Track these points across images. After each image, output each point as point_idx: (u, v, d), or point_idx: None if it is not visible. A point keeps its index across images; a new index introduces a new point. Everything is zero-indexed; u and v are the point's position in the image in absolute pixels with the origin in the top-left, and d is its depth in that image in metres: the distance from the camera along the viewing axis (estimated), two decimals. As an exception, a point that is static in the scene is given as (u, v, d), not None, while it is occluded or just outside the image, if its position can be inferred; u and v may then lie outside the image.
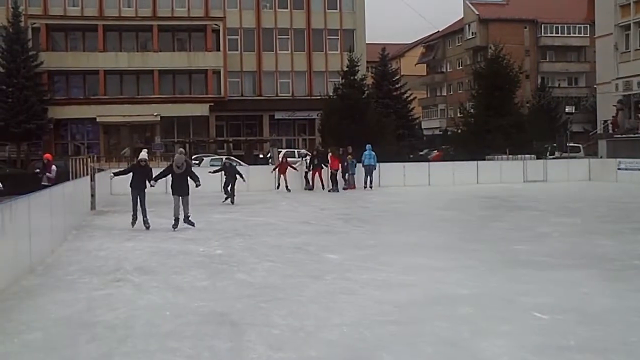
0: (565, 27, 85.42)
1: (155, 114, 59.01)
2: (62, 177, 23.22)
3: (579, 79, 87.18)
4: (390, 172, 34.48)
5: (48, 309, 9.14)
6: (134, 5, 62.54)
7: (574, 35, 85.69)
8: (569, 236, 16.02)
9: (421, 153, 59.62)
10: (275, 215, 21.61)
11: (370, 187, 32.76)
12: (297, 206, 25.03)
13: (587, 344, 7.27)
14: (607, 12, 59.14)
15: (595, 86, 67.77)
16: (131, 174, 18.32)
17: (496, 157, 39.54)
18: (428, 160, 45.83)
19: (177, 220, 17.74)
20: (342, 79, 46.09)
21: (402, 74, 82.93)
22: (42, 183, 21.31)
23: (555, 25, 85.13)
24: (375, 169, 33.28)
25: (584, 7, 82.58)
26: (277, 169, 32.22)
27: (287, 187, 31.59)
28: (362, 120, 40.64)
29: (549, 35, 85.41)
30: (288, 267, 12.06)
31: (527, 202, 25.60)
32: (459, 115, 59.25)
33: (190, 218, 17.99)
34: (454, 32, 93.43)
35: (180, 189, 17.84)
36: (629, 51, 55.66)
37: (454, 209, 22.74)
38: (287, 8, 65.83)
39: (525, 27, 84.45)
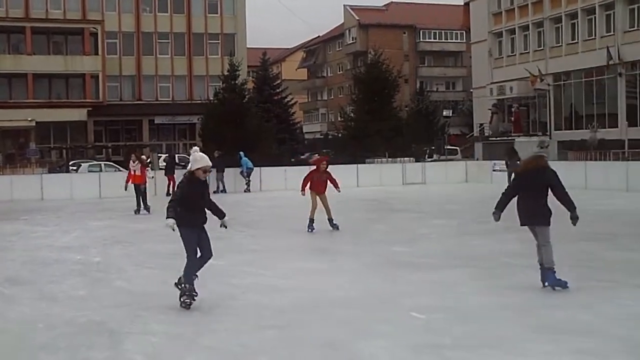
0: (443, 33, 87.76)
1: (29, 119, 57.18)
2: None
3: (456, 83, 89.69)
4: (271, 176, 34.60)
5: None
6: (4, 5, 60.40)
7: (451, 41, 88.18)
8: (446, 237, 16.40)
9: (302, 157, 59.85)
10: (155, 221, 21.22)
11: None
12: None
13: (461, 341, 7.44)
14: (481, 20, 61.24)
15: (471, 90, 69.85)
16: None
17: (376, 160, 40.18)
18: (309, 164, 46.03)
19: None
20: (222, 83, 45.82)
21: (283, 78, 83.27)
22: None
23: (433, 31, 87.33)
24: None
25: (460, 14, 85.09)
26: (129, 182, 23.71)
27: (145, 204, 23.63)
28: (242, 124, 40.53)
29: (427, 40, 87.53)
30: (168, 274, 11.84)
31: (406, 204, 26.10)
32: (339, 119, 60.07)
33: None
34: (335, 37, 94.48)
35: None
36: (502, 57, 57.70)
37: (335, 212, 22.93)
38: (167, 12, 65.18)
39: (404, 33, 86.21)
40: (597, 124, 46.83)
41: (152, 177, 27.58)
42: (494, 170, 36.52)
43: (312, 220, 17.20)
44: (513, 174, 10.34)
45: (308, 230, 17.02)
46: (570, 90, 52.24)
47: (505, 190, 10.27)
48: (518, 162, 29.73)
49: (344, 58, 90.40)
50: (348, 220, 19.15)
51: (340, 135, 50.07)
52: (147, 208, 23.40)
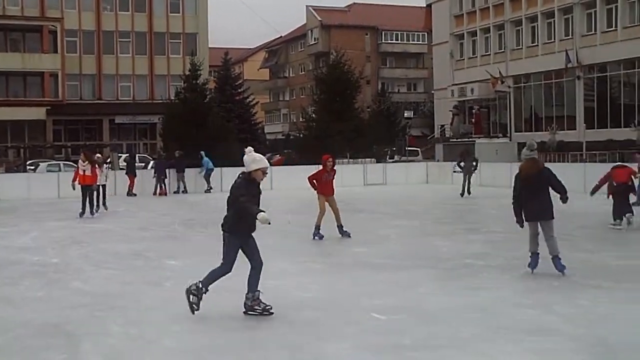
0: (405, 35, 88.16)
1: (-15, 117, 56.44)
2: None
3: (417, 84, 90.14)
4: (232, 177, 34.06)
5: None
6: (-40, 1, 59.54)
7: (413, 42, 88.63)
8: (407, 238, 16.47)
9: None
10: (114, 221, 21.04)
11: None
12: (136, 212, 24.50)
13: (421, 342, 7.46)
14: (443, 21, 61.73)
15: (432, 92, 70.29)
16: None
17: (337, 161, 40.12)
18: (270, 165, 45.92)
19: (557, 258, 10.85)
20: (184, 83, 45.58)
21: (244, 78, 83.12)
22: None
23: (395, 32, 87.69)
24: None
25: (422, 16, 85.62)
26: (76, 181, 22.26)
27: (105, 204, 23.73)
28: (204, 124, 40.35)
29: (389, 42, 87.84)
30: (127, 274, 11.77)
31: (367, 205, 26.09)
32: (301, 119, 60.04)
33: None
34: (297, 37, 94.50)
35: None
36: (463, 59, 58.14)
37: (296, 213, 22.88)
38: (128, 11, 64.67)
39: (366, 34, 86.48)
40: (556, 126, 47.36)
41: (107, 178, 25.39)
42: (454, 172, 36.76)
43: (318, 227, 16.04)
44: (514, 179, 10.98)
45: (314, 238, 15.89)
46: (530, 93, 52.83)
47: (514, 198, 11.08)
48: (474, 162, 30.22)
49: (306, 58, 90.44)
50: (309, 221, 19.11)
51: (301, 135, 50.08)
52: (104, 206, 23.46)
